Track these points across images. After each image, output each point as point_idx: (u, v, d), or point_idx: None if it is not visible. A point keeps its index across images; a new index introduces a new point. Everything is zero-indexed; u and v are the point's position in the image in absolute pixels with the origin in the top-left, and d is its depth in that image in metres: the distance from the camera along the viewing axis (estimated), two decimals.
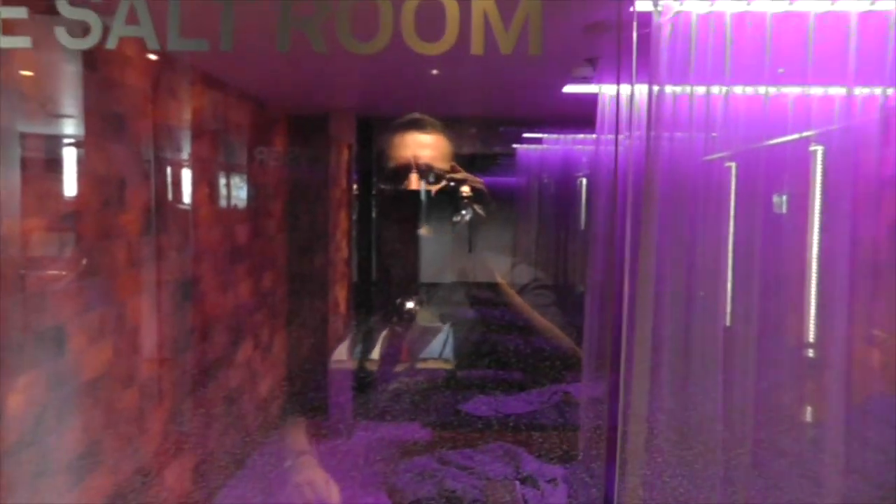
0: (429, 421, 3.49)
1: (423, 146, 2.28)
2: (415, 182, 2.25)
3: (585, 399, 3.34)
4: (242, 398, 3.31)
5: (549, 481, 2.94)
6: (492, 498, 2.67)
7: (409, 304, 2.59)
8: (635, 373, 2.23)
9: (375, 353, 2.63)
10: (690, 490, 2.48)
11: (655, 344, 2.46)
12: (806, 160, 2.62)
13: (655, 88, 2.33)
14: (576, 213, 5.04)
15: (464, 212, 2.56)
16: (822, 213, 2.48)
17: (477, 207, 2.55)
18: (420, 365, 2.80)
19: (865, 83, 2.19)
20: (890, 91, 2.39)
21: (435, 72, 3.11)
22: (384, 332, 2.57)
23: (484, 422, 3.58)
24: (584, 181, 4.98)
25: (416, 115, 2.33)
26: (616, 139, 2.87)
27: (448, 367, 2.98)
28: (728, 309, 2.54)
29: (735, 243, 2.49)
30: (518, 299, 2.60)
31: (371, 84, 3.34)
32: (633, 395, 2.19)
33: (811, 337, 2.48)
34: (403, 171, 2.26)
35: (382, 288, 2.87)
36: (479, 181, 2.54)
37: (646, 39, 2.24)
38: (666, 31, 2.24)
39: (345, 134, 4.04)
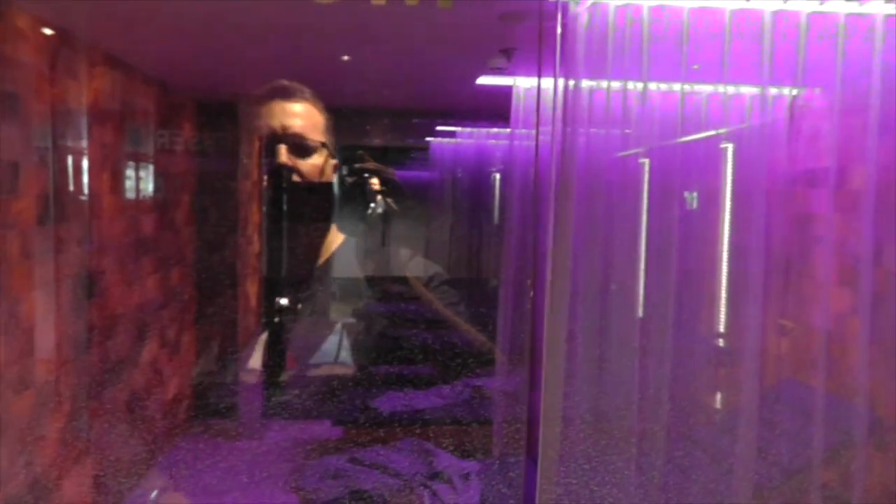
0: (339, 419, 3.42)
1: (292, 115, 2.08)
2: (284, 155, 2.04)
3: (499, 393, 3.33)
4: (148, 401, 3.14)
5: (463, 476, 2.91)
6: None
7: (283, 302, 2.37)
8: (550, 366, 2.21)
9: (256, 361, 2.41)
10: (607, 479, 2.50)
11: (570, 336, 2.46)
12: (717, 157, 2.68)
13: (571, 82, 2.32)
14: (489, 207, 5.04)
15: (374, 205, 2.47)
16: (733, 208, 2.54)
17: (389, 201, 2.46)
18: (313, 372, 2.66)
19: (778, 83, 2.24)
20: (796, 91, 2.46)
21: (346, 58, 3.02)
22: (262, 336, 2.35)
23: (395, 418, 3.54)
24: (498, 176, 5.00)
25: (283, 81, 2.12)
26: (537, 133, 2.86)
27: (345, 371, 2.86)
28: (641, 300, 2.57)
29: (648, 237, 2.52)
30: (428, 294, 2.51)
31: (281, 71, 3.23)
32: (549, 388, 2.18)
33: (722, 327, 2.54)
34: (271, 143, 2.03)
35: (293, 283, 2.74)
36: (391, 172, 2.44)
37: (562, 31, 2.23)
38: (582, 22, 2.23)
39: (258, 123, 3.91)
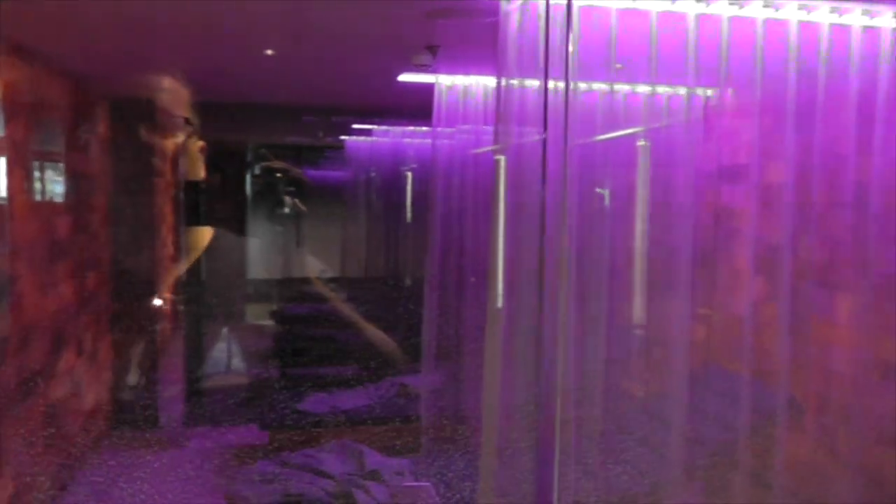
0: (265, 423, 3.36)
1: (156, 90, 2.02)
2: (145, 133, 1.96)
3: (425, 390, 3.34)
4: (66, 412, 2.97)
5: (396, 474, 2.92)
6: None
7: (158, 303, 2.27)
8: (489, 358, 2.23)
9: (133, 377, 2.26)
10: (541, 468, 2.55)
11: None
12: (634, 154, 2.77)
13: (504, 81, 2.34)
14: (404, 206, 5.06)
15: (286, 207, 2.43)
16: (649, 203, 2.64)
17: (297, 201, 2.42)
18: (207, 383, 2.57)
19: (702, 84, 2.33)
20: (711, 92, 2.57)
21: (269, 52, 2.96)
22: (138, 347, 2.22)
23: (321, 419, 3.51)
24: (410, 174, 5.02)
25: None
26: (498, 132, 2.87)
27: (239, 380, 2.79)
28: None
29: (571, 231, 2.58)
30: (334, 294, 2.48)
31: (199, 66, 3.13)
32: (488, 381, 2.19)
33: (642, 317, 2.63)
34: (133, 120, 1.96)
35: (211, 287, 2.66)
36: (297, 171, 2.40)
37: (492, 29, 2.25)
38: (514, 20, 2.26)
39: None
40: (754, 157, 2.40)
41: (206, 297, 3.41)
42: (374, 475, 2.82)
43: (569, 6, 2.11)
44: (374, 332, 4.05)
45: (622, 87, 2.50)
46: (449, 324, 3.35)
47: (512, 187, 2.39)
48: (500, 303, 2.57)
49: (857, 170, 2.16)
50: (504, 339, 2.33)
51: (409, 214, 5.07)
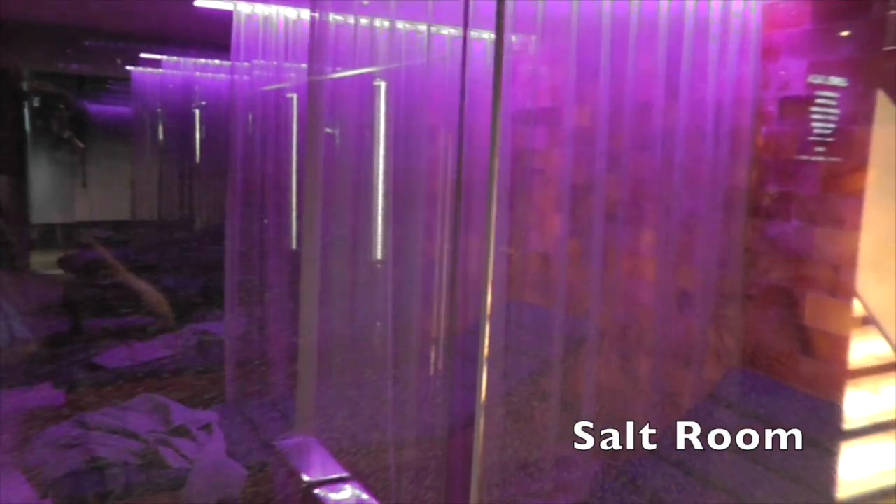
0: (60, 381, 3.08)
1: None
2: None
3: (229, 336, 3.22)
4: None
5: (202, 428, 2.80)
6: None
7: None
8: (306, 299, 2.16)
9: None
10: (363, 413, 2.57)
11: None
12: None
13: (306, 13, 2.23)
14: (193, 145, 4.77)
15: (67, 144, 2.22)
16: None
17: (75, 137, 2.21)
18: None
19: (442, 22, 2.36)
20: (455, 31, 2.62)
21: None
22: None
23: (120, 373, 3.28)
24: (198, 112, 4.72)
25: None
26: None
27: (26, 348, 2.57)
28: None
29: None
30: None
31: None
32: (303, 323, 2.13)
33: (379, 254, 2.68)
34: None
35: None
36: (75, 105, 2.17)
37: None
38: None
39: None
40: (559, 101, 2.49)
41: None
42: (180, 431, 2.69)
43: None
44: (140, 285, 3.88)
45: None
46: (251, 268, 3.24)
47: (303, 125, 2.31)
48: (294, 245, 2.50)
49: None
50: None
51: (198, 154, 4.80)
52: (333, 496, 1.78)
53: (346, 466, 1.90)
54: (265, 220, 3.21)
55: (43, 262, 4.16)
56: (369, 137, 2.72)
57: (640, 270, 2.53)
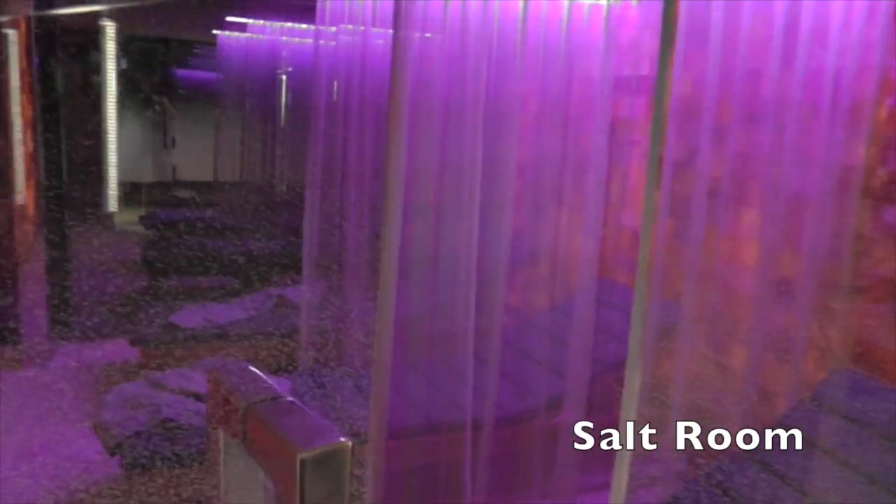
0: (136, 338, 3.10)
1: None
2: None
3: (305, 303, 3.17)
4: None
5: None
6: None
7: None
8: (385, 273, 2.08)
9: None
10: (436, 392, 2.49)
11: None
12: None
13: None
14: (278, 110, 4.77)
15: (156, 106, 2.19)
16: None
17: (168, 102, 2.18)
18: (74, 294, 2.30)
19: None
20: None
21: None
22: None
23: (194, 333, 3.28)
24: (285, 78, 4.71)
25: None
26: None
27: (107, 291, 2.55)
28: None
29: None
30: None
31: None
32: (382, 295, 2.05)
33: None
34: None
35: (75, 189, 2.38)
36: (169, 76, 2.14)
37: None
38: None
39: (18, 3, 3.27)
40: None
41: (68, 198, 3.07)
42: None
43: None
44: None
45: None
46: (331, 235, 3.18)
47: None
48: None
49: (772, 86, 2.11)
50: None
51: (282, 119, 4.80)
52: None
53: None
54: (346, 187, 3.14)
55: (126, 220, 4.24)
56: (455, 106, 2.61)
57: (739, 254, 2.35)
